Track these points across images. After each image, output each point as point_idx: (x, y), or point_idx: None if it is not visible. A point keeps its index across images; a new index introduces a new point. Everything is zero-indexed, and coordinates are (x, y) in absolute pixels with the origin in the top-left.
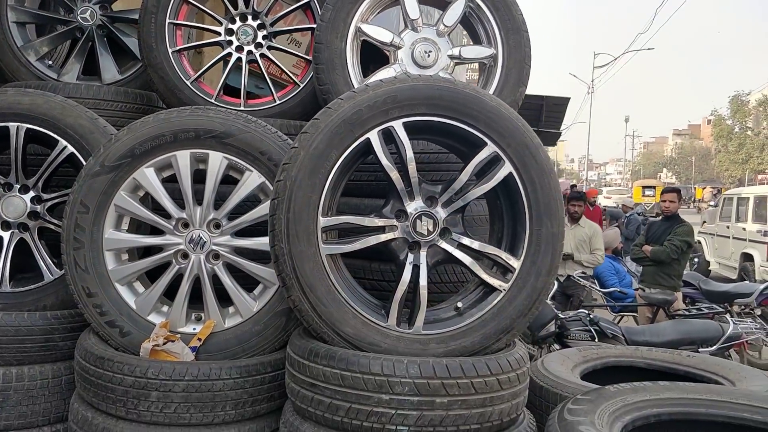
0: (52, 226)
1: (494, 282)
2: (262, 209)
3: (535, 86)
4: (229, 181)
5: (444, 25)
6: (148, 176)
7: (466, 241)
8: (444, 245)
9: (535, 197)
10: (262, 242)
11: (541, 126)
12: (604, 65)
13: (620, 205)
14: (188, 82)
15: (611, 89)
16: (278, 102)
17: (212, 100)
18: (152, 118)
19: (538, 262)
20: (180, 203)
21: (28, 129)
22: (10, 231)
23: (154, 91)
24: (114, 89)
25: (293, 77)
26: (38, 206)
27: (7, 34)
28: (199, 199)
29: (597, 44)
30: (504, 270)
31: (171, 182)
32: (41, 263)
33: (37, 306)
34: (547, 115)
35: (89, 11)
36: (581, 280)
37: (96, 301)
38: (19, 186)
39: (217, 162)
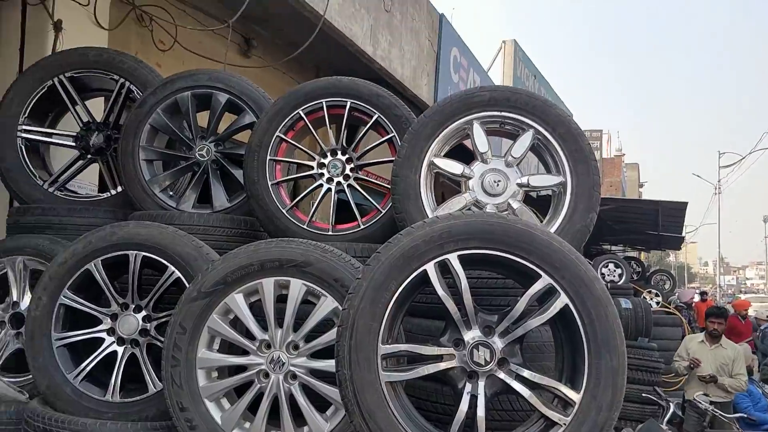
0: (159, 343)
1: (554, 416)
2: (332, 334)
3: (660, 187)
4: (306, 301)
5: (512, 156)
6: (238, 301)
7: (525, 373)
8: (502, 376)
9: (592, 330)
10: (331, 364)
11: (660, 230)
12: (730, 165)
13: (754, 317)
14: (284, 211)
15: (744, 187)
16: (362, 227)
17: (304, 227)
18: (243, 249)
19: (599, 396)
20: (262, 325)
21: (143, 256)
22: (124, 346)
23: (256, 219)
24: (221, 217)
25: (375, 204)
26: (148, 324)
27: (138, 170)
28: (278, 321)
29: (721, 143)
30: (564, 403)
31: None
32: (147, 376)
33: (140, 416)
34: (665, 219)
35: (205, 148)
36: (702, 403)
37: (188, 415)
38: (133, 306)
39: (297, 288)
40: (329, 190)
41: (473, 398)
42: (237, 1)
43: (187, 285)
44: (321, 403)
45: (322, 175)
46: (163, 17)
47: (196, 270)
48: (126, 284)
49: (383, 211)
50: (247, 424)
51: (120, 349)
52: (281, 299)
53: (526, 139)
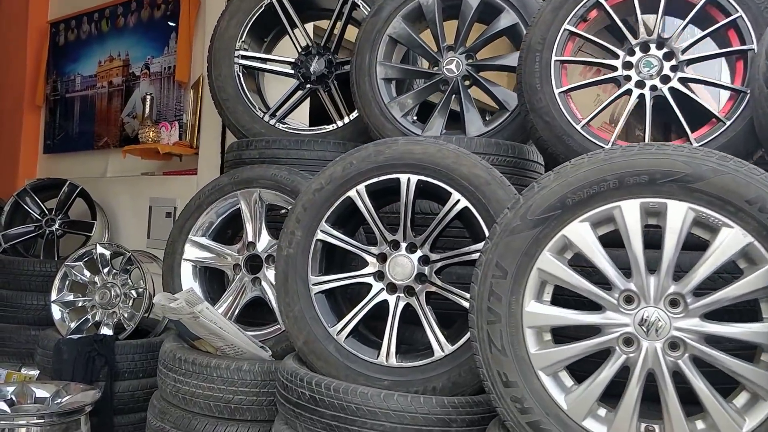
0: (442, 292)
1: None
2: (749, 284)
3: None
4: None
5: None
6: (582, 233)
7: None
8: None
9: None
10: (744, 330)
11: None
12: None
13: None
14: (578, 127)
15: None
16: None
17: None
18: (587, 159)
19: None
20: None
21: (419, 181)
22: (396, 295)
23: (535, 139)
24: (485, 141)
25: (714, 112)
26: (425, 268)
27: (376, 91)
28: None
29: None
30: None
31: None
32: (431, 335)
33: (426, 388)
34: None
35: (455, 62)
36: None
37: (515, 392)
38: (406, 245)
39: (679, 215)
40: (641, 97)
41: None
42: None
43: (476, 216)
44: (721, 386)
45: (629, 78)
46: None
47: (490, 197)
48: (391, 219)
49: (727, 122)
50: (603, 412)
51: (392, 299)
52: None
53: None
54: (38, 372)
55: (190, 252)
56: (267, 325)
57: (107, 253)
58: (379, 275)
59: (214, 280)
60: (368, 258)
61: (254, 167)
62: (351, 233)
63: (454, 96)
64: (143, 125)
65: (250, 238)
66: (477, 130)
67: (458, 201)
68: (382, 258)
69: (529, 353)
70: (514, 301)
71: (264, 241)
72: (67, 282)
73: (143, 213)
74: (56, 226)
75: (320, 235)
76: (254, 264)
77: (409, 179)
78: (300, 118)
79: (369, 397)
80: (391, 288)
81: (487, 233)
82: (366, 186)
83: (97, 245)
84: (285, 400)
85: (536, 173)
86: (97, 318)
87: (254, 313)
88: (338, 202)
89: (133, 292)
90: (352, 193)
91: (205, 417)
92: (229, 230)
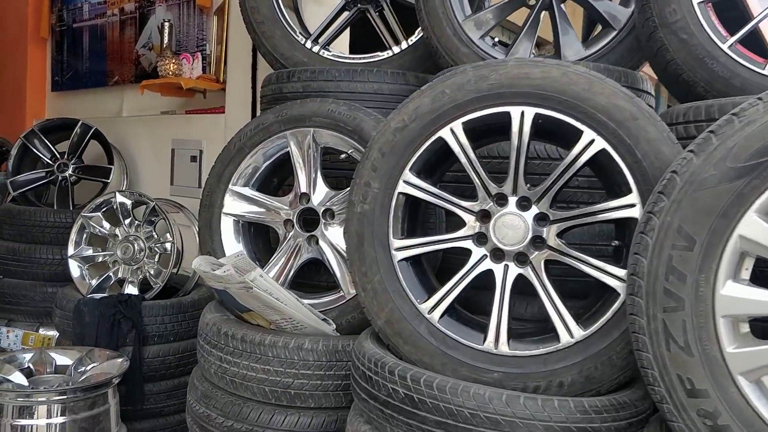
0: (569, 261)
1: None
2: None
3: None
4: None
5: None
6: None
7: None
8: None
9: None
10: None
11: None
12: None
13: None
14: (723, 47)
15: None
16: None
17: (765, 72)
18: None
19: None
20: None
21: (536, 115)
22: (503, 263)
23: (664, 64)
24: (593, 67)
25: None
26: (544, 229)
27: (448, 6)
28: None
29: None
30: None
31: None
32: (555, 316)
33: (550, 383)
34: None
35: None
36: None
37: (704, 405)
38: (516, 199)
39: None
40: None
41: None
42: None
43: (618, 162)
44: None
45: None
46: None
47: (637, 137)
48: (492, 166)
49: None
50: None
51: (498, 268)
52: None
53: None
54: (57, 334)
55: (232, 205)
56: (327, 293)
57: (128, 202)
58: (481, 238)
59: (259, 238)
60: (465, 216)
61: (306, 102)
62: (435, 186)
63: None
64: (162, 57)
65: (303, 189)
66: (575, 54)
67: (592, 141)
68: (484, 216)
69: (724, 352)
70: (703, 281)
71: (320, 193)
72: (85, 235)
73: (165, 157)
74: (69, 172)
75: (404, 187)
76: (309, 218)
77: (523, 113)
78: (338, 47)
79: (487, 399)
80: (497, 254)
81: (632, 184)
82: (464, 123)
83: (117, 193)
84: (368, 395)
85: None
86: (120, 275)
87: (305, 275)
88: (426, 145)
89: (158, 246)
90: (444, 132)
91: (260, 404)
92: (275, 179)
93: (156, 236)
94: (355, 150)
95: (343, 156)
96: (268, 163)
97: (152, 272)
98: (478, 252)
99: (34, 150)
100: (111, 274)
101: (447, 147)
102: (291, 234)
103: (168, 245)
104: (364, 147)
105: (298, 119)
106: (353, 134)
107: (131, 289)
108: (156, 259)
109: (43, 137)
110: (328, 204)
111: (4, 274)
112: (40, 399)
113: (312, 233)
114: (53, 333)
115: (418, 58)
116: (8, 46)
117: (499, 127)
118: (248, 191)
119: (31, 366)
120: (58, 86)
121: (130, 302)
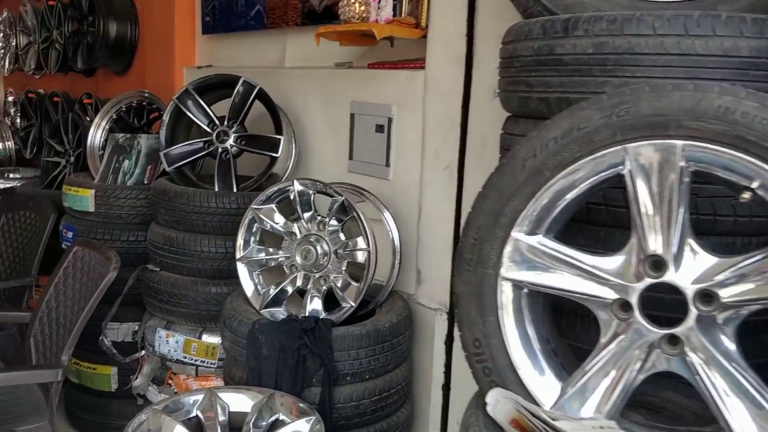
0: None
1: None
2: None
3: None
4: None
5: None
6: None
7: None
8: None
9: None
10: None
11: None
12: None
13: None
14: None
15: None
16: None
17: None
18: None
19: None
20: None
21: None
22: None
23: None
24: None
25: None
26: None
27: None
28: None
29: None
30: None
31: None
32: None
33: None
34: None
35: None
36: None
37: None
38: None
39: None
40: None
41: None
42: None
43: None
44: None
45: None
46: None
47: None
48: None
49: None
50: None
51: None
52: None
53: None
54: (221, 341)
55: (517, 264)
56: None
57: (310, 192)
58: None
59: (548, 319)
60: None
61: (663, 90)
62: None
63: None
64: None
65: (655, 248)
66: None
67: None
68: None
69: None
70: None
71: (695, 259)
72: (255, 231)
73: (341, 124)
74: (231, 142)
75: None
76: (661, 300)
77: None
78: None
79: None
80: None
81: None
82: None
83: (295, 181)
84: None
85: None
86: (298, 283)
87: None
88: None
89: (346, 252)
90: None
91: None
92: (583, 220)
93: (343, 238)
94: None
95: (746, 195)
96: (579, 194)
97: (339, 284)
98: None
99: (189, 114)
100: (288, 284)
101: None
102: (627, 325)
103: (360, 254)
104: None
105: (654, 124)
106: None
107: (316, 305)
108: (344, 268)
109: (198, 98)
110: (709, 282)
111: (161, 266)
112: None
113: (671, 330)
114: (217, 340)
115: None
116: None
117: None
118: (547, 242)
119: (200, 415)
120: (209, 28)
121: (318, 332)
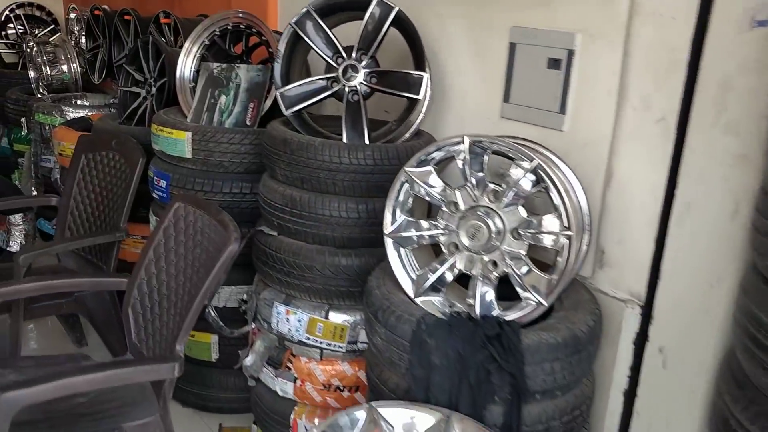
0: None
1: None
2: None
3: None
4: None
5: None
6: None
7: None
8: None
9: None
10: None
11: None
12: None
13: None
14: None
15: None
16: None
17: None
18: None
19: None
20: None
21: None
22: None
23: None
24: None
25: None
26: None
27: None
28: None
29: None
30: None
31: None
32: None
33: None
34: None
35: None
36: None
37: None
38: None
39: None
40: None
41: None
42: None
43: None
44: None
45: None
46: None
47: None
48: None
49: None
50: None
51: None
52: None
53: None
54: (351, 320)
55: None
56: None
57: (485, 153)
58: None
59: None
60: None
61: None
62: None
63: None
64: None
65: None
66: None
67: None
68: None
69: None
70: None
71: None
72: (408, 199)
73: (494, 57)
74: (360, 79)
75: None
76: None
77: None
78: None
79: None
80: None
81: None
82: None
83: (464, 137)
84: None
85: None
86: (458, 266)
87: None
88: None
89: (529, 232)
90: None
91: None
92: None
93: (523, 214)
94: None
95: None
96: None
97: (521, 271)
98: None
99: (311, 43)
100: (446, 269)
101: None
102: None
103: (547, 238)
104: None
105: None
106: None
107: (488, 295)
108: (523, 252)
109: (321, 22)
110: None
111: (279, 230)
112: None
113: None
114: (345, 320)
115: None
116: None
117: None
118: None
119: None
120: None
121: (506, 340)
